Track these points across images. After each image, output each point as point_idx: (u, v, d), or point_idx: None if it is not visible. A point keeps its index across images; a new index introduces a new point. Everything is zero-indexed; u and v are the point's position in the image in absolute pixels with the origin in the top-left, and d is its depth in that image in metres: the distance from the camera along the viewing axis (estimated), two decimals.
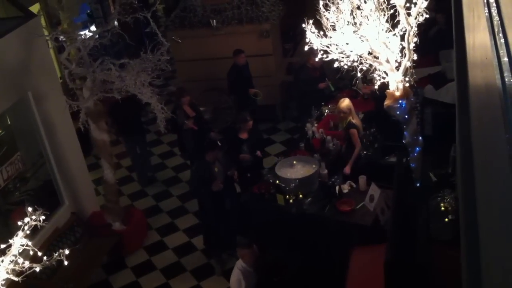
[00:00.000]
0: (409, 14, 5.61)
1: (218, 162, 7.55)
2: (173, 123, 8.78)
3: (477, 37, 2.97)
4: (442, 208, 6.19)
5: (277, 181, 7.47)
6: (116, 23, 8.26)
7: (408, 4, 5.56)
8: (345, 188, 7.43)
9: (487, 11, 2.24)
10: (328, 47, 5.83)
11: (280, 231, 7.30)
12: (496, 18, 1.98)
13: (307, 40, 5.91)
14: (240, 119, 8.32)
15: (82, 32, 8.52)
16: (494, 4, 2.04)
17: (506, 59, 1.65)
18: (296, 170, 7.55)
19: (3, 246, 4.57)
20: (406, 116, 6.33)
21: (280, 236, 7.31)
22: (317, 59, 6.00)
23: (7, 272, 4.58)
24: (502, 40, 1.75)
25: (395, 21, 5.68)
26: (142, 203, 9.73)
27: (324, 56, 5.88)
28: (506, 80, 1.59)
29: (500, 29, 1.84)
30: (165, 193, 9.95)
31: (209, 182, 7.40)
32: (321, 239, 7.05)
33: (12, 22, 7.43)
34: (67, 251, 4.76)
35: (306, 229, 7.14)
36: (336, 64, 5.90)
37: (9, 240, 4.61)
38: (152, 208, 9.60)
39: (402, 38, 5.75)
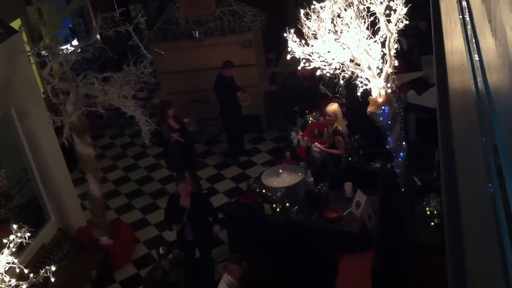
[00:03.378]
0: (389, 21, 5.68)
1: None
2: (158, 136, 8.76)
3: (454, 43, 3.01)
4: (428, 212, 6.23)
5: (264, 190, 7.47)
6: (98, 37, 8.25)
7: (387, 11, 5.63)
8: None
9: (461, 16, 2.27)
10: (310, 55, 5.87)
11: (267, 241, 7.29)
12: (469, 24, 2.01)
13: (289, 49, 5.95)
14: (178, 176, 7.60)
15: (64, 47, 8.49)
16: (467, 10, 2.07)
17: (478, 64, 1.68)
18: (282, 179, 7.54)
19: None
20: (390, 122, 6.38)
21: (267, 245, 7.30)
22: (299, 68, 6.04)
23: None
24: (475, 46, 1.78)
25: (376, 28, 5.74)
26: (129, 217, 9.68)
27: (307, 64, 5.92)
28: (479, 85, 1.61)
29: (472, 34, 1.87)
30: (152, 206, 9.90)
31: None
32: (309, 247, 7.06)
33: None
34: (53, 268, 4.74)
35: (294, 238, 7.14)
36: (318, 72, 5.94)
37: None
38: (139, 221, 9.54)
39: (383, 44, 5.81)
